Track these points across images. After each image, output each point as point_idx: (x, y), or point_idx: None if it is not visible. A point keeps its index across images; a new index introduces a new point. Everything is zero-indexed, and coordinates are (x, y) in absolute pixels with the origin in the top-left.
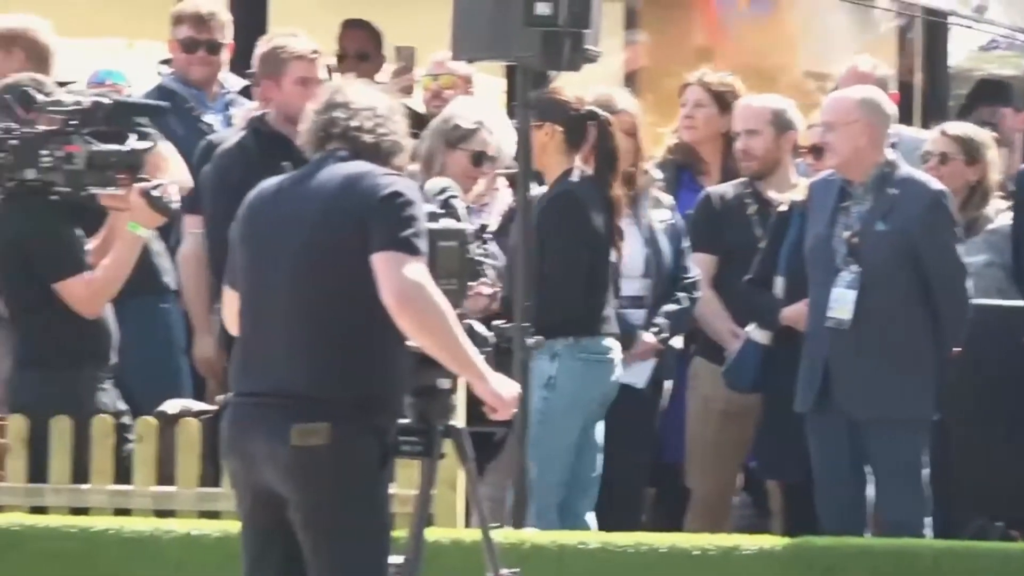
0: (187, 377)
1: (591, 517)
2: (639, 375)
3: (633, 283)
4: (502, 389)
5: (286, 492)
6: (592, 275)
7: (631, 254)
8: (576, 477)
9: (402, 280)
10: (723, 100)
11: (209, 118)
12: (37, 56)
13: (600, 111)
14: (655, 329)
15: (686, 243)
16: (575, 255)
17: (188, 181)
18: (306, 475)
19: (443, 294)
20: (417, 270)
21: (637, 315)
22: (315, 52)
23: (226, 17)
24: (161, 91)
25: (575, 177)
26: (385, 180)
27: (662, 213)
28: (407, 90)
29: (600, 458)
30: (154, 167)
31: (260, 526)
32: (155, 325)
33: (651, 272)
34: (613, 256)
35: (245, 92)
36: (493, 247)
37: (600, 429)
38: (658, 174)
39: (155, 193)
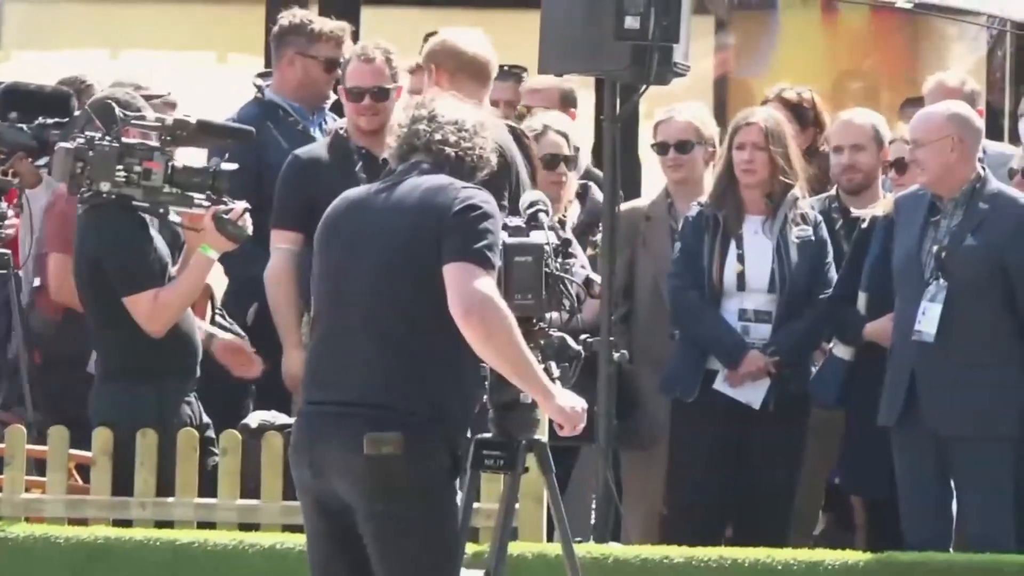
0: None
1: None
2: (753, 394)
3: (758, 297)
4: (567, 404)
5: (356, 502)
6: None
7: (757, 268)
8: None
9: (470, 292)
10: (803, 115)
11: (312, 132)
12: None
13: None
14: (771, 348)
15: (828, 259)
16: None
17: None
18: (377, 485)
19: (517, 308)
20: (486, 283)
21: (761, 330)
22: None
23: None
24: (263, 104)
25: None
26: (463, 193)
27: (803, 229)
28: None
29: None
30: None
31: (328, 537)
32: None
33: (776, 287)
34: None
35: (334, 107)
36: (580, 259)
37: None
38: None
39: (226, 217)
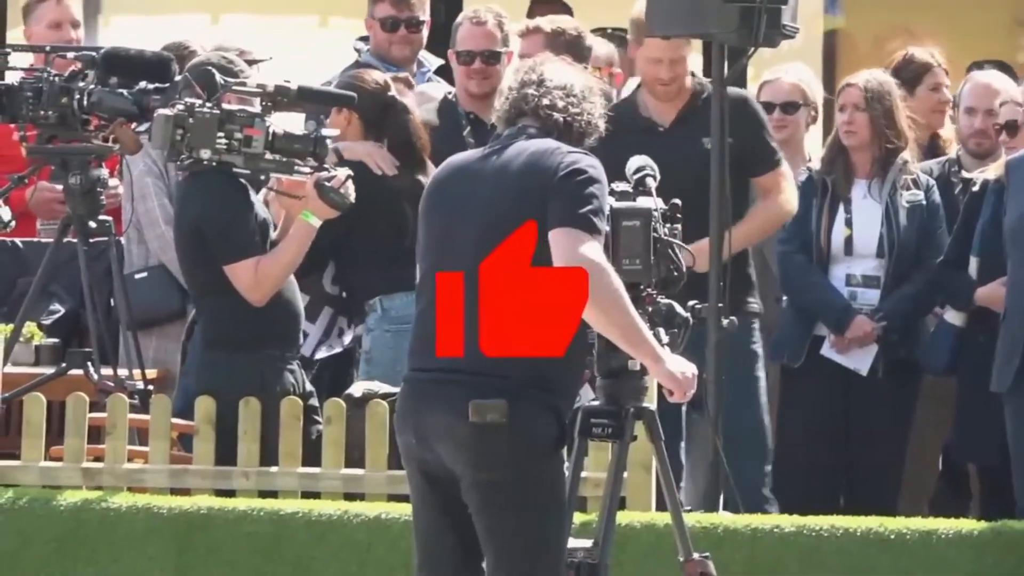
0: None
1: None
2: (861, 360)
3: (866, 262)
4: (677, 370)
5: (461, 470)
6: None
7: (865, 232)
8: None
9: (576, 257)
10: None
11: None
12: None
13: (398, 97)
14: (879, 314)
15: (940, 224)
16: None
17: None
18: (483, 452)
19: (625, 273)
20: (592, 248)
21: (869, 295)
22: (478, 21)
23: None
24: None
25: None
26: (569, 157)
27: (913, 193)
28: None
29: None
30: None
31: (433, 506)
32: None
33: (885, 252)
34: None
35: (441, 71)
36: None
37: None
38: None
39: (329, 184)
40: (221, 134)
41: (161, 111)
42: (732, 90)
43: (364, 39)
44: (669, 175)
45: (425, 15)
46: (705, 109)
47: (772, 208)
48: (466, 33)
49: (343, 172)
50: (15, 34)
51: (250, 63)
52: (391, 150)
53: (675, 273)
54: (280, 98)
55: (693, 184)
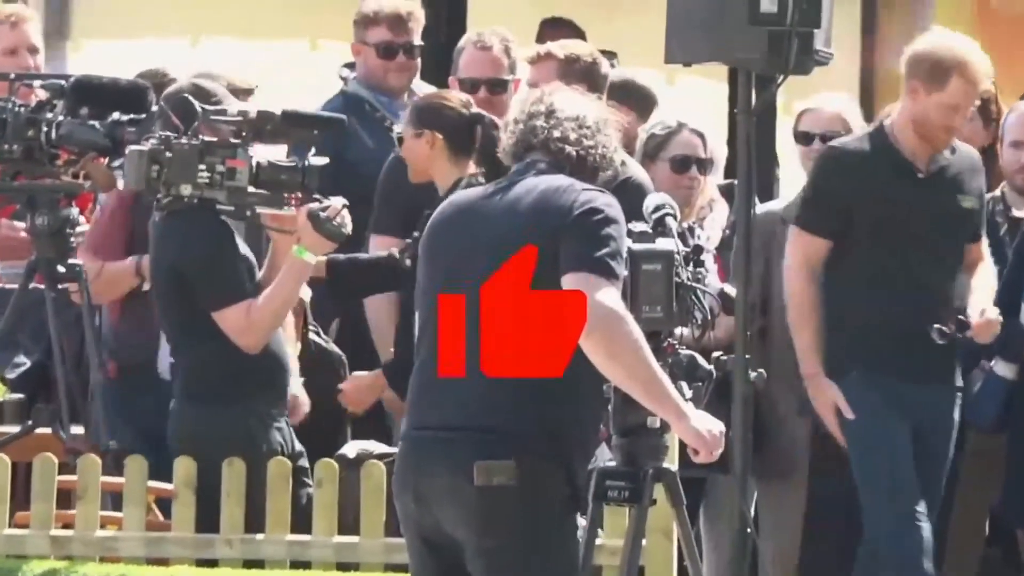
0: None
1: None
2: None
3: None
4: (704, 427)
5: (466, 537)
6: None
7: None
8: None
9: (592, 305)
10: (986, 111)
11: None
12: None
13: (485, 113)
14: None
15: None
16: None
17: None
18: (489, 517)
19: (645, 322)
20: (609, 295)
21: None
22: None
23: (421, 16)
24: (347, 98)
25: (464, 187)
26: (584, 196)
27: None
28: None
29: None
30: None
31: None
32: None
33: None
34: None
35: None
36: (713, 270)
37: None
38: None
39: (323, 215)
40: (202, 167)
41: (133, 147)
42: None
43: (350, 65)
44: (921, 224)
45: (419, 40)
46: (959, 160)
47: (991, 276)
48: (470, 59)
49: (337, 201)
50: None
51: (240, 92)
52: (482, 165)
53: (700, 321)
54: (264, 125)
55: (940, 238)
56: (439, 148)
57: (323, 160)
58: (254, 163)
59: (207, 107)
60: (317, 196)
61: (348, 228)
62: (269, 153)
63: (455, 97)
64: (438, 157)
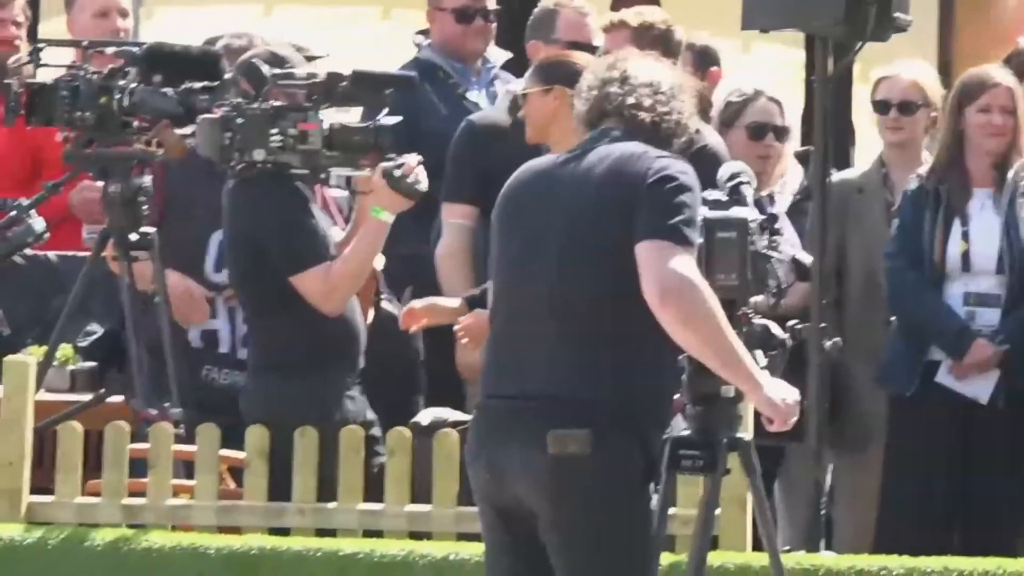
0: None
1: None
2: (981, 388)
3: (986, 279)
4: (778, 396)
5: (539, 507)
6: None
7: (984, 246)
8: None
9: (666, 273)
10: None
11: (473, 95)
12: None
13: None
14: (1000, 336)
15: None
16: None
17: None
18: (563, 488)
19: (719, 290)
20: (684, 262)
21: (988, 315)
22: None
23: None
24: (420, 65)
25: None
26: (658, 163)
27: None
28: None
29: None
30: None
31: (507, 547)
32: None
33: (1005, 268)
34: None
35: (508, 66)
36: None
37: None
38: None
39: (398, 173)
40: (274, 131)
41: (204, 116)
42: None
43: (424, 32)
44: None
45: (494, 3)
46: None
47: None
48: (568, 23)
49: (412, 158)
50: (52, 26)
51: (307, 60)
52: None
53: (773, 290)
54: (334, 86)
55: None
56: (567, 105)
57: (395, 119)
58: (326, 126)
59: (277, 71)
60: (390, 156)
61: (424, 185)
62: (340, 116)
63: (581, 57)
64: (565, 116)
